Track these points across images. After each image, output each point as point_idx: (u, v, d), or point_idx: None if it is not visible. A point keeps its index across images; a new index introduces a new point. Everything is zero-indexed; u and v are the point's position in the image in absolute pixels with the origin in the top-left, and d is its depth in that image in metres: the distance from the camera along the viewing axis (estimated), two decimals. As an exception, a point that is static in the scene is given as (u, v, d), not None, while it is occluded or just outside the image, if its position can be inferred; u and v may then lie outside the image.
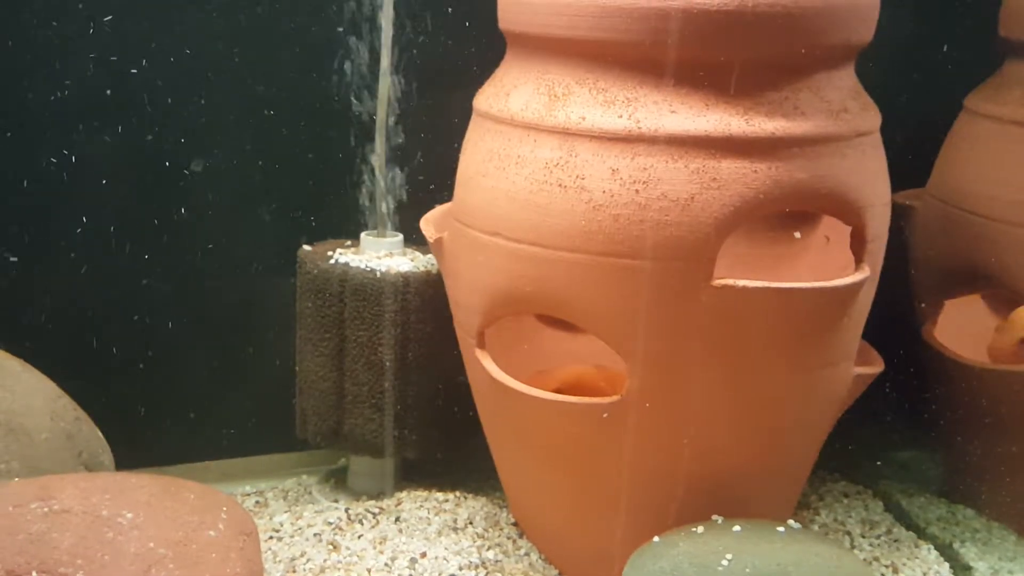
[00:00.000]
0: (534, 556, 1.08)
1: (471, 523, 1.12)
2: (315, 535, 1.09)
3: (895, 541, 1.13)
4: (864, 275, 0.93)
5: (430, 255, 1.17)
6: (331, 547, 1.07)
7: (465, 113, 1.04)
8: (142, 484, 0.92)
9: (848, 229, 0.97)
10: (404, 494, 1.18)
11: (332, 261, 1.16)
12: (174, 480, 0.95)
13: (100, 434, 1.07)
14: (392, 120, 1.18)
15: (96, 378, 1.16)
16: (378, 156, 1.19)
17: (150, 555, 0.84)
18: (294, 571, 1.02)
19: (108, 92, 1.13)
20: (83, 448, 1.04)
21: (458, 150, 1.04)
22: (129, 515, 0.87)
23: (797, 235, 1.12)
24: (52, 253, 1.15)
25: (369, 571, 1.02)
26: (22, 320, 1.14)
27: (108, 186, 1.16)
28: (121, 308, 1.19)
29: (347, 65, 1.18)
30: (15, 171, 1.13)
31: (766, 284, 0.89)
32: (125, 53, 1.13)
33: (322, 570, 1.02)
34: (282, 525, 1.12)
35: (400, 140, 1.20)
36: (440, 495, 1.18)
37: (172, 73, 1.15)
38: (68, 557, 0.82)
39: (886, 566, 1.08)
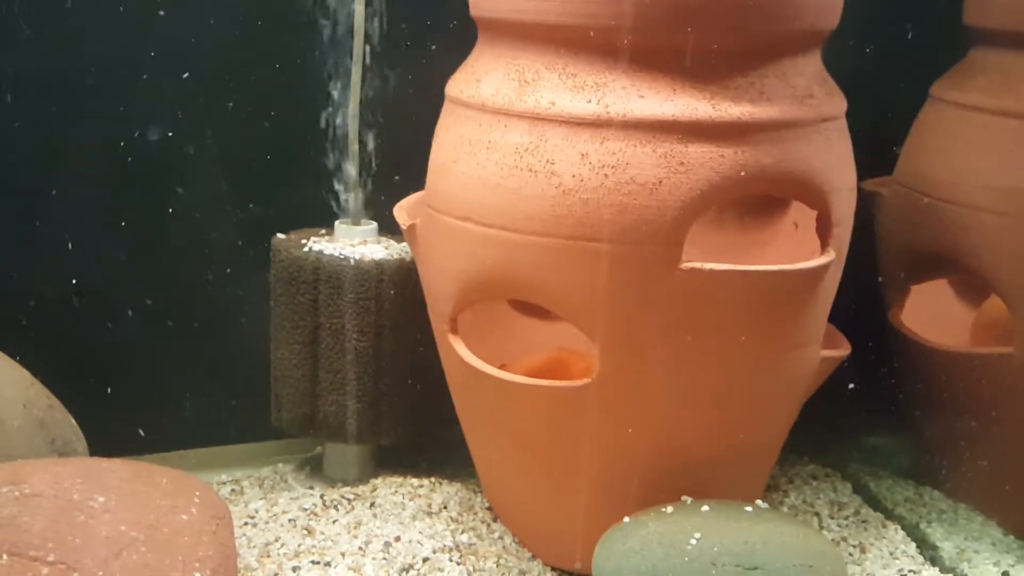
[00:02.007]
0: (508, 539, 1.09)
1: (445, 507, 1.13)
2: (290, 521, 1.09)
3: (863, 522, 1.15)
4: (829, 258, 0.95)
5: (404, 243, 1.18)
6: (305, 532, 1.07)
7: (438, 100, 1.05)
8: (114, 468, 0.92)
9: (815, 214, 0.98)
10: (379, 480, 1.19)
11: (306, 249, 1.16)
12: (146, 465, 0.96)
13: (73, 422, 1.07)
14: (365, 107, 1.19)
15: (71, 367, 1.15)
16: (351, 144, 1.19)
17: (121, 538, 0.84)
18: (268, 555, 1.03)
19: (80, 83, 1.13)
20: (56, 436, 1.04)
21: (431, 136, 1.05)
22: (101, 499, 0.87)
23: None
24: (26, 243, 1.15)
25: (343, 555, 1.03)
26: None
27: (80, 175, 1.15)
28: (96, 297, 1.18)
29: (319, 53, 1.18)
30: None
31: (732, 267, 0.90)
32: (96, 43, 1.13)
33: (296, 554, 1.03)
34: (257, 512, 1.12)
35: (373, 128, 1.20)
36: (415, 480, 1.18)
37: (144, 63, 1.14)
38: (39, 540, 0.82)
39: (854, 546, 1.10)
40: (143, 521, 0.87)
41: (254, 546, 1.04)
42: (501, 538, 1.09)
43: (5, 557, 0.81)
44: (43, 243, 1.16)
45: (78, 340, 1.18)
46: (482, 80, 0.97)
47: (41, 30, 1.11)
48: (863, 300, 1.11)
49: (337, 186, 1.22)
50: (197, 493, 0.93)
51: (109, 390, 1.20)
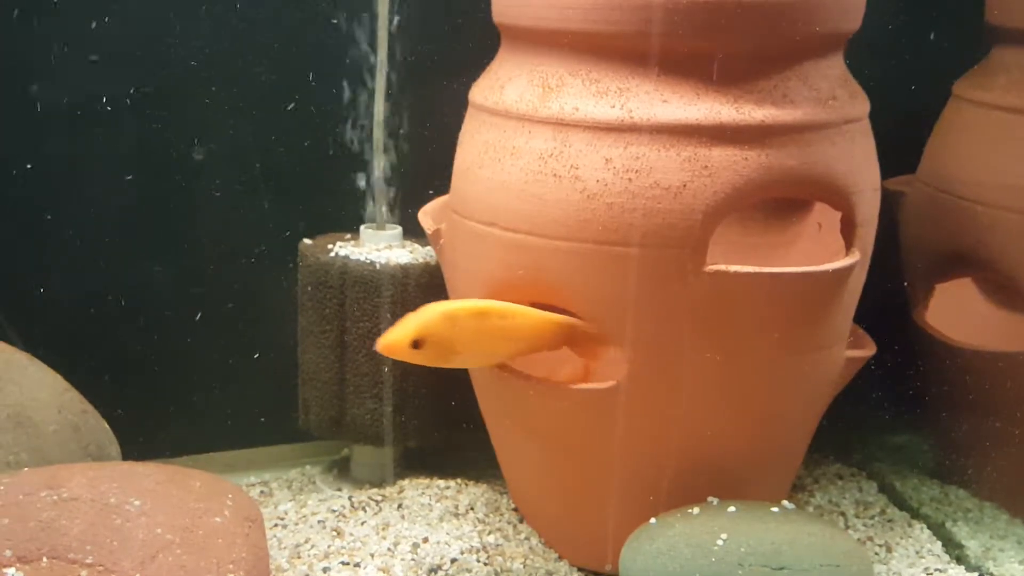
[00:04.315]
0: (534, 540, 1.09)
1: (472, 509, 1.14)
2: (319, 522, 1.11)
3: (889, 521, 1.15)
4: (854, 259, 0.95)
5: (429, 247, 1.19)
6: (335, 533, 1.09)
7: (461, 106, 1.06)
8: (149, 472, 0.94)
9: (839, 215, 0.98)
10: (406, 482, 1.20)
11: (332, 254, 1.18)
12: (180, 468, 0.97)
13: (107, 426, 1.09)
14: (389, 114, 1.20)
15: (102, 371, 1.17)
16: (376, 150, 1.20)
17: (157, 541, 0.86)
18: (299, 557, 1.04)
19: (111, 85, 1.15)
20: (90, 440, 1.06)
21: (455, 142, 1.06)
22: (137, 502, 0.89)
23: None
24: (57, 248, 1.17)
25: (372, 556, 1.04)
26: (29, 315, 1.15)
27: (112, 180, 1.17)
28: (126, 302, 1.20)
29: (345, 58, 1.20)
30: (19, 165, 1.14)
31: (757, 269, 0.90)
32: (128, 46, 1.14)
33: (326, 555, 1.04)
34: (286, 513, 1.13)
35: (398, 133, 1.22)
36: (441, 482, 1.20)
37: (174, 67, 1.16)
38: (77, 543, 0.84)
39: (880, 545, 1.10)
40: (178, 524, 0.88)
41: (284, 547, 1.06)
42: (528, 539, 1.09)
43: (45, 560, 0.83)
44: (75, 250, 1.18)
45: (109, 346, 1.20)
46: (506, 86, 0.98)
47: (74, 39, 1.13)
48: (887, 299, 1.11)
49: (362, 191, 1.23)
50: (230, 496, 0.94)
51: (139, 395, 1.22)
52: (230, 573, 0.86)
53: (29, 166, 1.14)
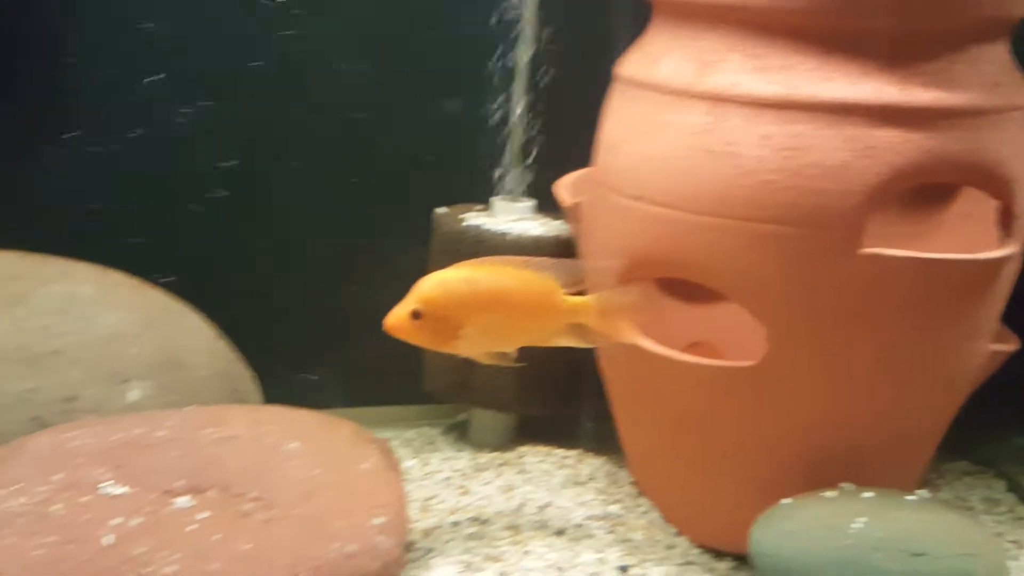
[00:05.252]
0: (654, 514, 1.11)
1: (593, 479, 1.16)
2: (444, 479, 1.14)
3: (1018, 519, 1.13)
4: (1011, 250, 0.93)
5: (559, 220, 1.21)
6: (461, 490, 1.12)
7: (598, 81, 1.06)
8: (302, 418, 0.99)
9: (986, 205, 0.96)
10: (525, 448, 1.22)
11: (466, 224, 1.20)
12: (329, 416, 1.02)
13: (251, 375, 1.14)
14: (528, 88, 1.22)
15: (241, 324, 1.23)
16: (513, 123, 1.22)
17: (311, 482, 0.90)
18: (427, 510, 1.08)
19: (249, 54, 1.19)
20: (236, 386, 1.11)
21: (593, 117, 1.07)
22: (293, 445, 0.93)
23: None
24: (219, 214, 1.22)
25: (499, 514, 1.07)
26: (187, 271, 1.21)
27: (261, 148, 1.22)
28: (270, 265, 1.26)
29: (485, 32, 1.22)
30: (189, 124, 1.20)
31: (915, 254, 0.89)
32: (262, 17, 1.19)
33: (454, 511, 1.08)
34: (410, 470, 1.17)
35: (535, 108, 1.23)
36: (560, 451, 1.22)
37: (309, 42, 1.20)
38: (240, 478, 0.89)
39: (1011, 542, 1.08)
40: (330, 467, 0.92)
41: (414, 500, 1.10)
42: (647, 512, 1.11)
43: (213, 491, 0.87)
44: (233, 215, 1.23)
45: (252, 302, 1.26)
46: (659, 61, 0.99)
47: (230, 17, 1.18)
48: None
49: (496, 163, 1.25)
50: (374, 445, 0.98)
51: (277, 348, 1.27)
52: (376, 517, 0.90)
53: (187, 130, 1.20)
